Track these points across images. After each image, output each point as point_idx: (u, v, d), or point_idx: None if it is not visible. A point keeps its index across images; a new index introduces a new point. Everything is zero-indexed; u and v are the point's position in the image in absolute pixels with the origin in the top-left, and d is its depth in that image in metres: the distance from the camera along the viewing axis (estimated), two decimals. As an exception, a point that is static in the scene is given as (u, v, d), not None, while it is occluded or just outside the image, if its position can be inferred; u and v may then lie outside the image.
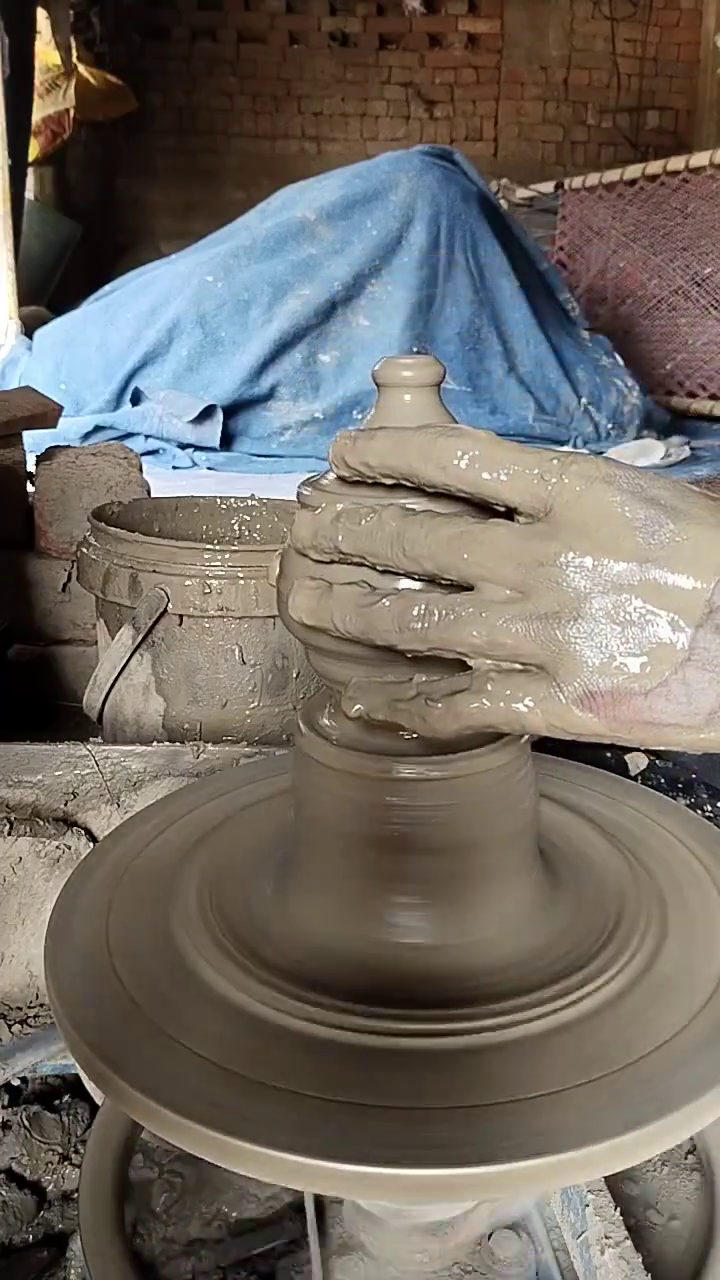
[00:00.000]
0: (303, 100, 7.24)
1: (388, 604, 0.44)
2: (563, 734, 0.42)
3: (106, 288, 4.64)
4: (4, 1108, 0.76)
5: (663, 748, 0.42)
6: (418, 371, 0.51)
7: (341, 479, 0.49)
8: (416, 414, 0.51)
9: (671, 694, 0.41)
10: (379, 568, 0.45)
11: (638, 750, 1.24)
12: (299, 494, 0.53)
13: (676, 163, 5.12)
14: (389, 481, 0.46)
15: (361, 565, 0.46)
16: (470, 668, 0.44)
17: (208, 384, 3.91)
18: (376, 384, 0.52)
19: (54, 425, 1.78)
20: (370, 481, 0.47)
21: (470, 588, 0.43)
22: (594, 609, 0.41)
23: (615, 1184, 0.63)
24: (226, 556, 1.08)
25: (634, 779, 1.15)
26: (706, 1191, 0.67)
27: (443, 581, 0.44)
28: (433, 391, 0.52)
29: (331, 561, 0.47)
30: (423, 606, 0.43)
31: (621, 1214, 0.56)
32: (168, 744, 0.96)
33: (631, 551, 0.40)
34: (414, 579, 0.46)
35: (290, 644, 1.11)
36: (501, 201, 5.10)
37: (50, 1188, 0.72)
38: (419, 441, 0.44)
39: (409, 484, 0.45)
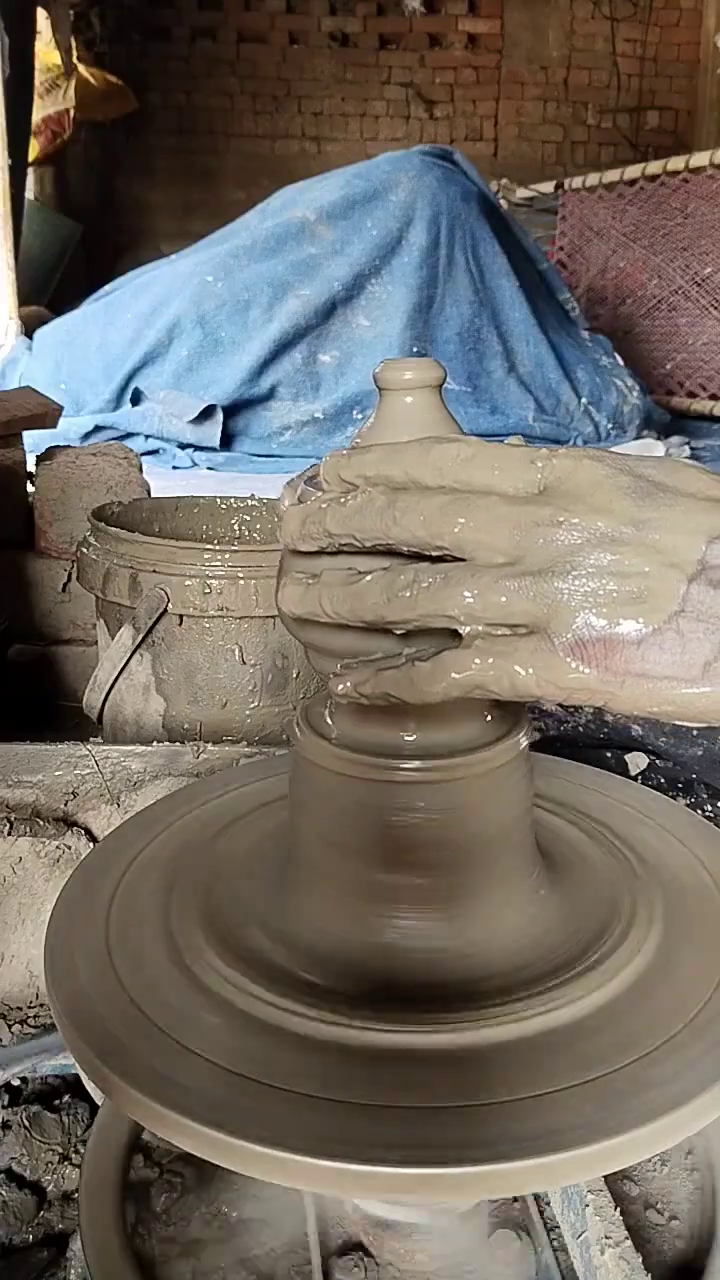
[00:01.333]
0: (303, 100, 7.24)
1: (374, 578, 0.44)
2: (555, 692, 0.42)
3: (106, 288, 4.64)
4: (4, 1108, 0.76)
5: (656, 710, 0.41)
6: (419, 373, 0.51)
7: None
8: (418, 416, 0.51)
9: (665, 644, 0.40)
10: (368, 544, 0.45)
11: (638, 750, 1.24)
12: (301, 494, 0.53)
13: (676, 163, 5.12)
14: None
15: (349, 553, 0.46)
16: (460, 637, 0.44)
17: (208, 384, 3.91)
18: (378, 386, 0.52)
19: (54, 425, 1.78)
20: None
21: (460, 560, 0.44)
22: (587, 562, 0.41)
23: (615, 1184, 0.63)
24: (226, 556, 1.08)
25: (634, 779, 1.15)
26: (706, 1191, 0.67)
27: (431, 554, 0.44)
28: (434, 393, 0.52)
29: (320, 552, 0.47)
30: (411, 575, 0.43)
31: (621, 1214, 0.56)
32: (168, 744, 0.96)
33: (623, 514, 0.41)
34: (402, 555, 0.45)
35: (290, 644, 1.11)
36: (501, 201, 5.10)
37: (50, 1188, 0.72)
38: (413, 450, 0.44)
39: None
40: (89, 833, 0.88)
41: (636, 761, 1.22)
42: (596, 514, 0.41)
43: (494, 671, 0.42)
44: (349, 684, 0.47)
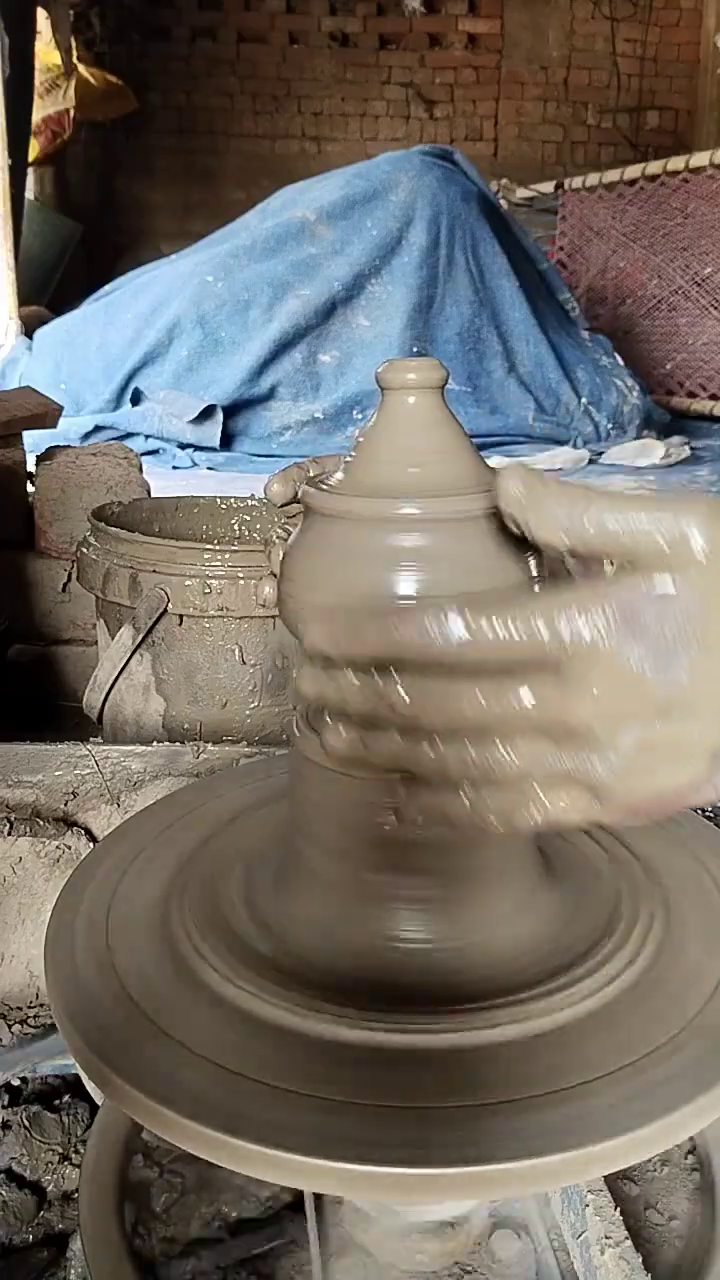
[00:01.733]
0: (303, 100, 7.24)
1: (433, 756, 0.43)
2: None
3: (106, 288, 4.64)
4: (4, 1108, 0.76)
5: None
6: (422, 374, 0.51)
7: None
8: (420, 417, 0.51)
9: (715, 786, 0.43)
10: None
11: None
12: (303, 494, 0.53)
13: (676, 163, 5.12)
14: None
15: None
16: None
17: (208, 384, 3.92)
18: (380, 387, 0.52)
19: (54, 425, 1.78)
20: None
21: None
22: (624, 744, 0.41)
23: (615, 1184, 0.63)
24: (226, 556, 1.08)
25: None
26: (706, 1191, 0.67)
27: None
28: (436, 394, 0.52)
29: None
30: (466, 755, 0.43)
31: (621, 1214, 0.56)
32: (168, 744, 0.96)
33: (650, 699, 0.41)
34: None
35: (290, 644, 1.11)
36: (501, 201, 5.10)
37: (50, 1188, 0.72)
38: (412, 630, 0.42)
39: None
40: (89, 833, 0.88)
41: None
42: (623, 702, 0.41)
43: (552, 821, 0.43)
44: (420, 817, 0.45)
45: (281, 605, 0.54)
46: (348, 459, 0.53)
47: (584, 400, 4.24)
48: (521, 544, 0.52)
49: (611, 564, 0.43)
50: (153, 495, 1.52)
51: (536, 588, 0.52)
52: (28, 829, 0.85)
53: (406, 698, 0.43)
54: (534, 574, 0.52)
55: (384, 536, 0.49)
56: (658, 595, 0.41)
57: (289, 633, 0.54)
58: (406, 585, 0.48)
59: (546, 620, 0.41)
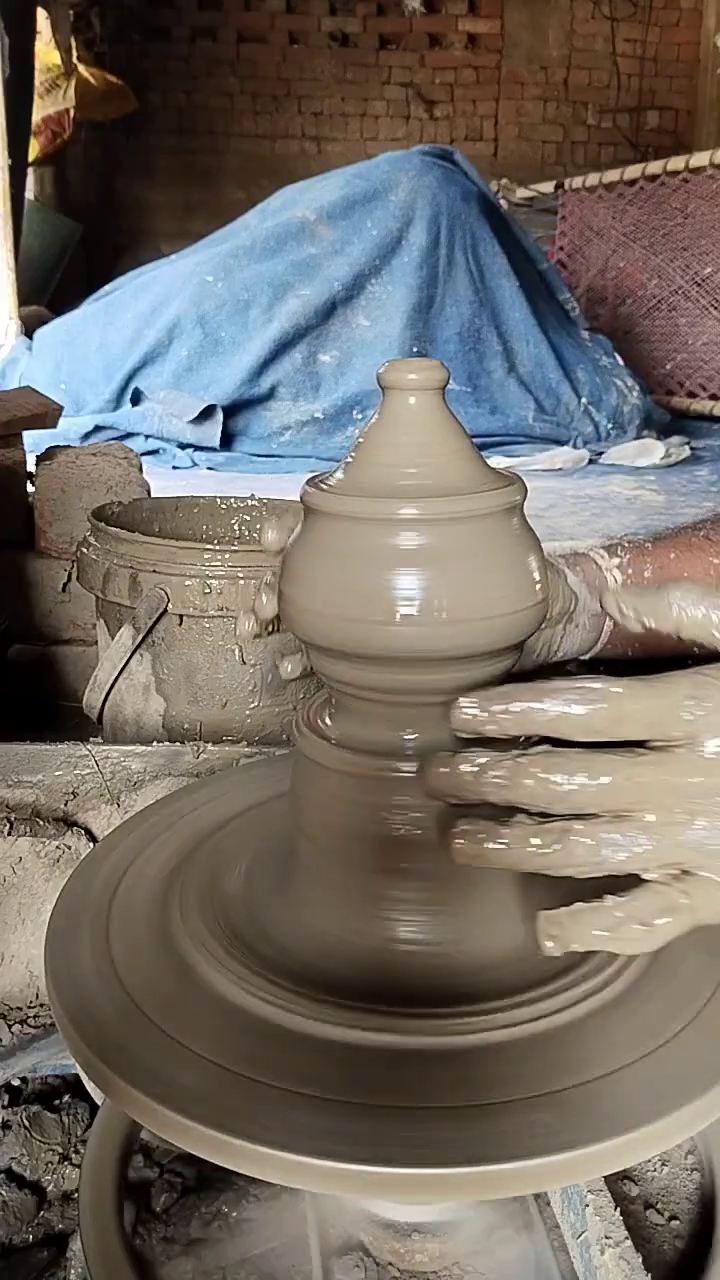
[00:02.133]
0: (303, 100, 7.24)
1: (559, 848, 0.44)
2: None
3: (106, 288, 4.64)
4: (4, 1108, 0.76)
5: None
6: (423, 374, 0.51)
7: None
8: (421, 418, 0.52)
9: None
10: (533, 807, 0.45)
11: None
12: (303, 494, 0.53)
13: (676, 163, 5.12)
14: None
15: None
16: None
17: (208, 384, 3.92)
18: (381, 386, 0.52)
19: (54, 425, 1.78)
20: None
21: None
22: None
23: (615, 1184, 0.63)
24: (226, 556, 1.08)
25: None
26: (706, 1191, 0.67)
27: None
28: (438, 395, 0.52)
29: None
30: (591, 841, 0.43)
31: (621, 1214, 0.56)
32: (168, 744, 0.96)
33: None
34: None
35: (290, 644, 1.11)
36: (501, 201, 5.10)
37: (50, 1188, 0.72)
38: (557, 706, 0.44)
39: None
40: (89, 833, 0.88)
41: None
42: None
43: (688, 923, 0.44)
44: (568, 942, 0.45)
45: (282, 606, 0.54)
46: (348, 459, 0.53)
47: (584, 400, 4.24)
48: (526, 544, 0.52)
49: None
50: (153, 495, 1.51)
51: (538, 588, 0.52)
52: (28, 829, 0.85)
53: (555, 778, 0.43)
54: (535, 576, 0.52)
55: (384, 537, 0.49)
56: None
57: (292, 633, 0.54)
58: (407, 586, 0.48)
59: (680, 703, 0.42)
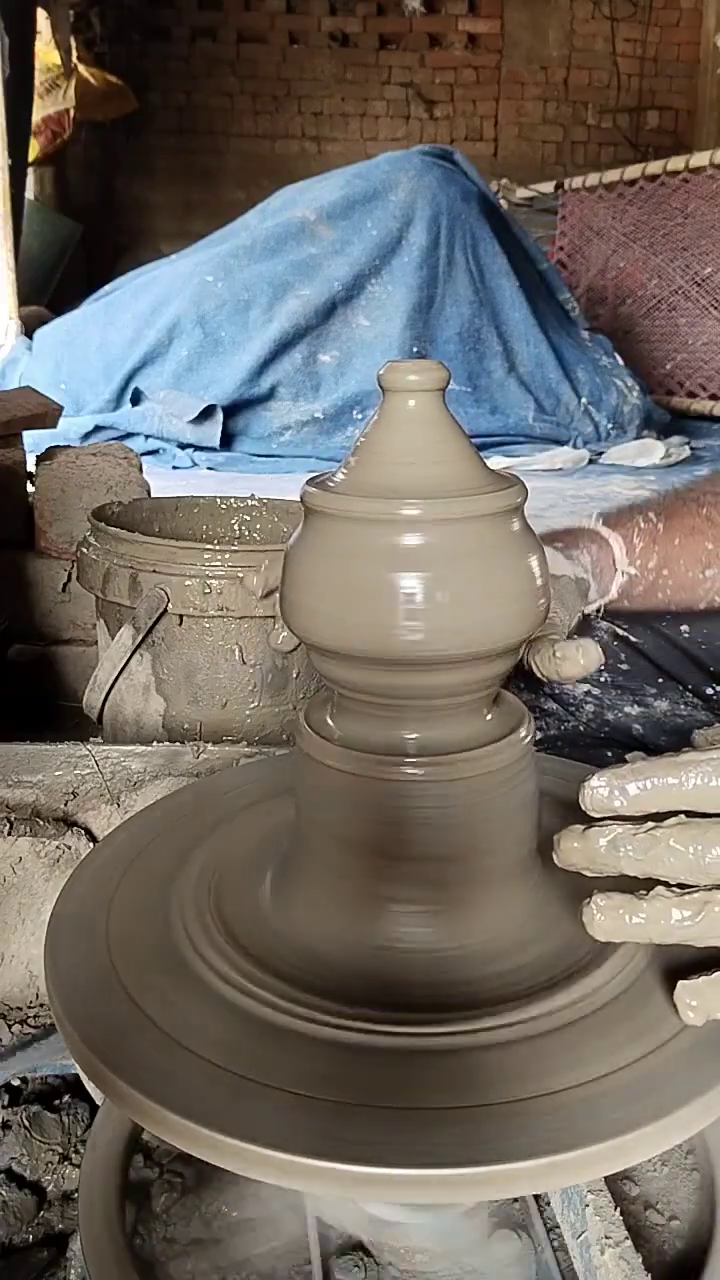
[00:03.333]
0: (303, 100, 7.24)
1: (703, 919, 0.44)
2: None
3: (106, 288, 4.64)
4: (4, 1108, 0.76)
5: None
6: (423, 376, 0.51)
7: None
8: (421, 419, 0.52)
9: None
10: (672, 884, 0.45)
11: (639, 750, 1.23)
12: (304, 494, 0.53)
13: (676, 163, 5.11)
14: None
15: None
16: None
17: (208, 384, 3.91)
18: (381, 388, 0.52)
19: (54, 425, 1.78)
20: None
21: None
22: None
23: (615, 1184, 0.63)
24: (226, 556, 1.08)
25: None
26: (706, 1191, 0.67)
27: None
28: (437, 396, 0.52)
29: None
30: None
31: (621, 1214, 0.56)
32: (168, 744, 0.96)
33: None
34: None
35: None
36: (501, 201, 5.10)
37: (50, 1188, 0.72)
38: (693, 780, 0.44)
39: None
40: (89, 833, 0.88)
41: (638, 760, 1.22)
42: None
43: None
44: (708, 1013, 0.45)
45: (282, 607, 0.54)
46: (348, 460, 0.53)
47: (584, 400, 4.23)
48: (526, 545, 0.52)
49: None
50: (153, 495, 1.51)
51: (539, 590, 0.52)
52: (28, 829, 0.85)
53: (693, 850, 0.43)
54: (536, 576, 0.52)
55: (385, 537, 0.49)
56: None
57: (292, 634, 0.54)
58: (408, 587, 0.48)
59: None
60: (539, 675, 0.74)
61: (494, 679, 0.53)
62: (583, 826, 0.46)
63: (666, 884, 0.45)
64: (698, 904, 0.43)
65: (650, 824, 0.45)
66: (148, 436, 3.80)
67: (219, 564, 1.07)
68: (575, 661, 0.69)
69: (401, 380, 0.51)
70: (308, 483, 0.53)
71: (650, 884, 0.45)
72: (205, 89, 7.15)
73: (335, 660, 0.52)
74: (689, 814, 0.44)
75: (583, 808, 0.47)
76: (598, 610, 0.86)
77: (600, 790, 0.46)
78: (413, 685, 0.51)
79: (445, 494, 0.49)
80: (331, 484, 0.52)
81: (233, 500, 1.34)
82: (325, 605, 0.51)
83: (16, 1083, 0.78)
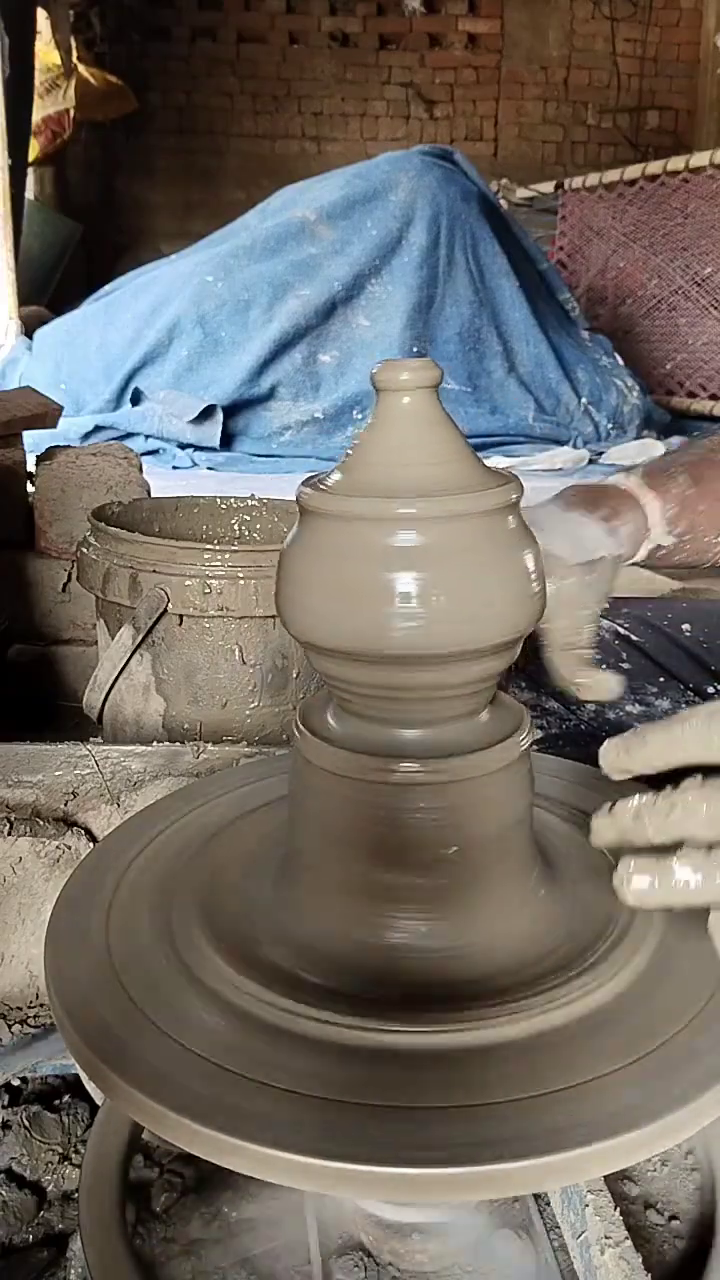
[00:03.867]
0: (303, 100, 7.24)
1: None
2: None
3: (106, 288, 4.64)
4: (4, 1108, 0.76)
5: None
6: (416, 374, 0.51)
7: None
8: (415, 418, 0.52)
9: None
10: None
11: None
12: (299, 494, 0.53)
13: (676, 163, 5.12)
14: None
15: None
16: None
17: (208, 384, 3.92)
18: (375, 388, 0.52)
19: (54, 425, 1.78)
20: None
21: None
22: None
23: (615, 1184, 0.63)
24: (226, 556, 1.08)
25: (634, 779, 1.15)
26: (706, 1191, 0.67)
27: None
28: (431, 394, 0.52)
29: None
30: None
31: (621, 1214, 0.56)
32: (168, 744, 0.96)
33: None
34: None
35: (290, 644, 1.11)
36: (501, 201, 5.10)
37: (50, 1188, 0.72)
38: (693, 732, 0.46)
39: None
40: (89, 833, 0.88)
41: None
42: None
43: None
44: None
45: (279, 605, 0.54)
46: (344, 460, 0.53)
47: (584, 400, 4.24)
48: (522, 542, 0.52)
49: None
50: (153, 495, 1.52)
51: (535, 586, 0.52)
52: (28, 829, 0.85)
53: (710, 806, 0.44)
54: (531, 573, 0.52)
55: (381, 536, 0.49)
56: None
57: (289, 633, 0.54)
58: (404, 585, 0.48)
59: None
60: (558, 683, 0.74)
61: (491, 676, 0.53)
62: (610, 804, 0.48)
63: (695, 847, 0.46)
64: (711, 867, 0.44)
65: (669, 787, 0.46)
66: (148, 436, 3.80)
67: (219, 564, 1.07)
68: (596, 692, 0.71)
69: (395, 379, 0.51)
70: (303, 483, 0.53)
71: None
72: (205, 89, 7.16)
73: (333, 658, 0.52)
74: (707, 774, 0.45)
75: (603, 769, 0.49)
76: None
77: (609, 753, 0.48)
78: (410, 682, 0.51)
79: (440, 492, 0.49)
80: (326, 484, 0.52)
81: (233, 500, 1.34)
82: (322, 604, 0.51)
83: (16, 1083, 0.78)
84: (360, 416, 3.90)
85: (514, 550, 0.51)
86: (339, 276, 4.05)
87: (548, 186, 5.86)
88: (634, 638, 1.12)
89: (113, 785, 0.89)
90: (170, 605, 1.08)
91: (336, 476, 0.52)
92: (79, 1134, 0.75)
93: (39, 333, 4.39)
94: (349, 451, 0.53)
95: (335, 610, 0.50)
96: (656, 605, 1.20)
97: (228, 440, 3.90)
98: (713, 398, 5.00)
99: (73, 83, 5.92)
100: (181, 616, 1.10)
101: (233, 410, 3.92)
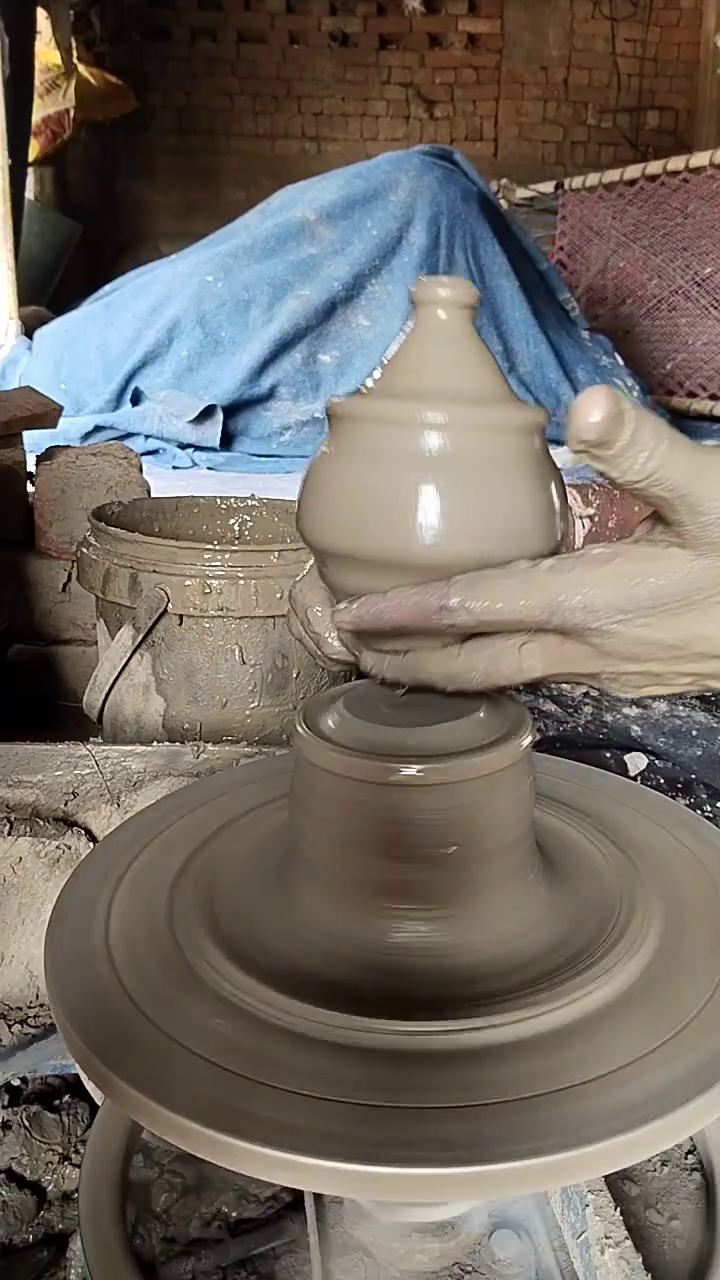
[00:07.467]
0: (303, 100, 7.24)
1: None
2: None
3: (106, 288, 4.64)
4: (4, 1108, 0.76)
5: None
6: (453, 291, 0.52)
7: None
8: (450, 332, 0.52)
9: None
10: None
11: (637, 751, 1.24)
12: (329, 403, 0.54)
13: (676, 163, 5.11)
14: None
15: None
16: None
17: (208, 384, 3.91)
18: (413, 303, 0.53)
19: (54, 425, 1.78)
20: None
21: None
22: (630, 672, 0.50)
23: (615, 1184, 0.63)
24: (226, 556, 1.08)
25: (633, 779, 1.15)
26: (706, 1191, 0.67)
27: None
28: (468, 314, 0.52)
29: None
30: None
31: (621, 1214, 0.56)
32: (168, 744, 0.96)
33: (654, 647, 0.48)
34: None
35: (290, 644, 1.11)
36: (501, 201, 5.10)
37: (50, 1188, 0.72)
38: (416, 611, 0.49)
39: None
40: (89, 833, 0.88)
41: (636, 762, 1.22)
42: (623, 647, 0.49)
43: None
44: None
45: (299, 518, 0.54)
46: (375, 373, 0.54)
47: (584, 400, 4.23)
48: (547, 465, 0.52)
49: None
50: (153, 495, 1.52)
51: (557, 505, 0.52)
52: (28, 829, 0.85)
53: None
54: (555, 497, 0.52)
55: (409, 440, 0.49)
56: (665, 575, 0.45)
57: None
58: (426, 488, 0.49)
59: (548, 603, 0.46)
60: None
61: None
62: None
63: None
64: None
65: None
66: (148, 436, 3.79)
67: (219, 564, 1.08)
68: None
69: (433, 294, 0.52)
70: (333, 397, 0.53)
71: None
72: (205, 89, 7.15)
73: (348, 568, 0.51)
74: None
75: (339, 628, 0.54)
76: None
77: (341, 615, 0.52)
78: None
79: (471, 402, 0.49)
80: (359, 393, 0.52)
81: (233, 500, 1.34)
82: (343, 507, 0.50)
83: (16, 1083, 0.78)
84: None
85: (539, 470, 0.51)
86: (339, 276, 4.04)
87: (548, 186, 5.85)
88: None
89: (113, 785, 0.89)
90: (170, 605, 1.08)
91: (369, 384, 0.53)
92: (79, 1134, 0.75)
93: (39, 333, 4.38)
94: (382, 364, 0.54)
95: (356, 512, 0.50)
96: None
97: (228, 440, 3.89)
98: (713, 398, 4.99)
99: (73, 83, 5.91)
100: (181, 616, 1.10)
101: (233, 410, 3.91)
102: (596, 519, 0.80)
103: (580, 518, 0.79)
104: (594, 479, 0.89)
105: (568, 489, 0.60)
